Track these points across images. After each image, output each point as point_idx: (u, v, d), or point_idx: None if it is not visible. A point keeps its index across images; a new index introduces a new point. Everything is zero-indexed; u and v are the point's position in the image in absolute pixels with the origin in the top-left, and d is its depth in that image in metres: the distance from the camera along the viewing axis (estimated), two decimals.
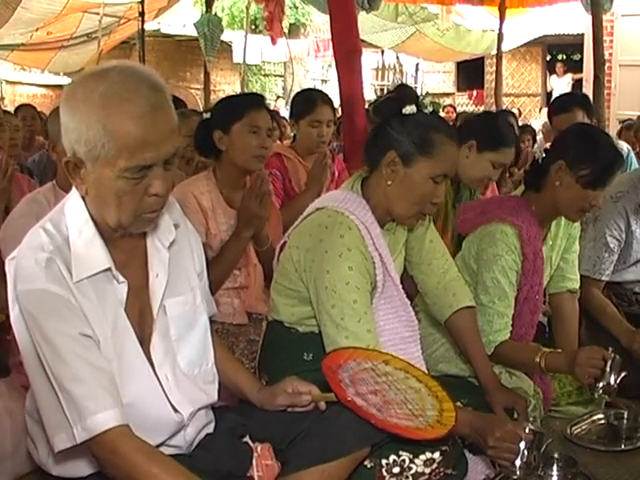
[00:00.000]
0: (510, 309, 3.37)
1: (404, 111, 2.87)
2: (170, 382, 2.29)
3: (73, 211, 2.20)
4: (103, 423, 2.03)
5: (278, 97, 20.87)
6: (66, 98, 2.12)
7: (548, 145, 3.70)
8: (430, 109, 2.93)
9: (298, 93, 5.53)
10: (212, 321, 2.58)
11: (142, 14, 13.05)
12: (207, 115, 3.95)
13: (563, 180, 3.33)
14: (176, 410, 2.28)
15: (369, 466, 2.60)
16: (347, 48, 5.79)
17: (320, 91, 5.21)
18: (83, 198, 2.19)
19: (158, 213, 2.21)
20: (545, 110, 15.92)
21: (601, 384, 3.06)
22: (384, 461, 2.60)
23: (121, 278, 2.21)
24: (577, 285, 3.85)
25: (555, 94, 18.68)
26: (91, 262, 2.15)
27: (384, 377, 2.59)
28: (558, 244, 3.67)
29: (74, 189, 2.21)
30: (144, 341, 2.27)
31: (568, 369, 3.17)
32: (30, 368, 2.15)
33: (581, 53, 18.21)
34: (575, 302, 3.88)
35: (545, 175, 3.40)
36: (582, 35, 16.67)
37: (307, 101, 5.00)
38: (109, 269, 2.18)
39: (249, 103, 3.91)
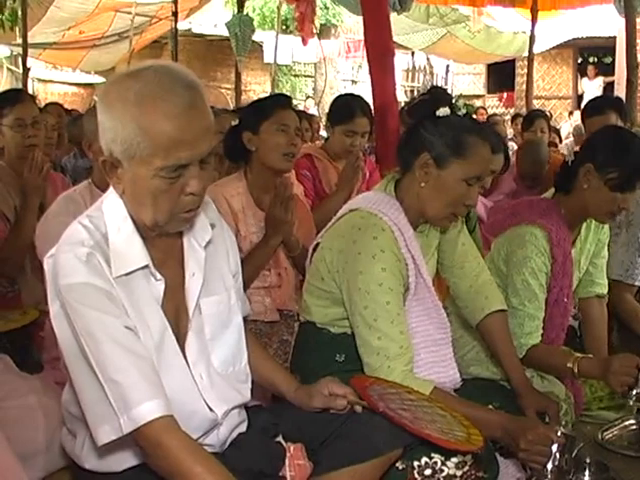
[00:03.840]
0: (541, 311, 3.36)
1: (438, 113, 2.87)
2: (204, 381, 2.30)
3: (111, 209, 2.21)
4: (149, 412, 2.03)
5: (307, 97, 20.89)
6: (102, 97, 2.13)
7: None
8: (464, 111, 2.93)
9: (339, 97, 5.53)
10: (245, 320, 2.58)
11: (175, 14, 13.11)
12: (235, 122, 3.98)
13: (591, 183, 3.32)
14: (210, 409, 2.29)
15: (401, 468, 2.60)
16: (380, 49, 5.79)
17: (361, 99, 5.17)
18: (121, 196, 2.20)
19: (194, 212, 2.23)
20: (577, 113, 15.89)
21: (634, 392, 3.04)
22: (416, 463, 2.60)
23: (159, 276, 2.22)
24: (605, 290, 3.83)
25: (586, 97, 18.67)
26: (130, 259, 2.17)
27: (409, 401, 2.61)
28: (587, 248, 3.65)
29: (111, 188, 2.23)
30: (179, 339, 2.28)
31: (601, 376, 3.15)
32: (72, 362, 2.15)
33: (612, 56, 18.15)
34: (603, 306, 3.86)
35: (574, 178, 3.39)
36: (614, 38, 16.60)
37: (346, 110, 5.01)
38: (147, 266, 2.20)
39: (276, 103, 3.95)
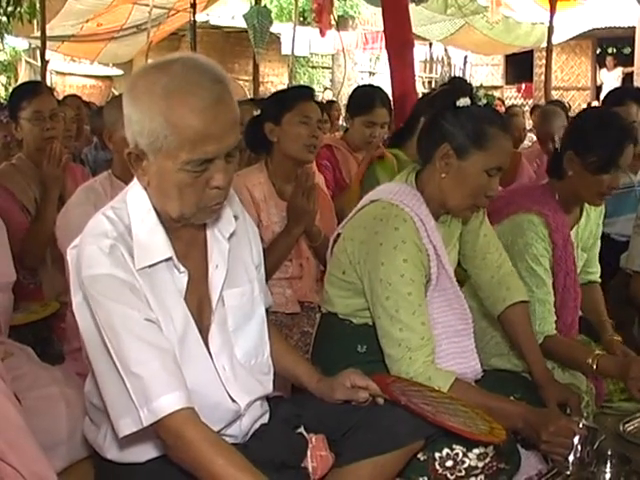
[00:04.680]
0: (550, 295, 3.36)
1: (458, 104, 2.87)
2: (227, 372, 2.30)
3: (135, 200, 2.22)
4: (169, 405, 2.04)
5: (325, 89, 20.86)
6: (129, 90, 2.13)
7: None
8: (484, 101, 2.92)
9: (358, 88, 5.56)
10: (266, 312, 2.58)
11: (194, 6, 13.14)
12: (257, 112, 3.99)
13: (575, 169, 3.33)
14: (233, 400, 2.30)
15: (422, 459, 2.61)
16: (399, 41, 5.79)
17: (380, 90, 5.19)
18: (145, 188, 2.20)
19: (220, 205, 2.23)
20: (595, 104, 15.80)
21: None
22: (437, 454, 2.62)
23: (182, 268, 2.22)
24: (598, 276, 3.85)
25: (605, 88, 18.61)
26: (153, 251, 2.17)
27: (431, 398, 2.61)
28: (586, 237, 3.67)
29: (135, 179, 2.23)
30: (202, 331, 2.28)
31: (620, 377, 3.15)
32: (94, 354, 2.16)
33: (631, 46, 18.02)
34: (599, 290, 3.86)
35: (562, 165, 3.40)
36: (633, 28, 16.51)
37: (365, 100, 5.02)
38: (170, 258, 2.20)
39: (299, 94, 3.96)
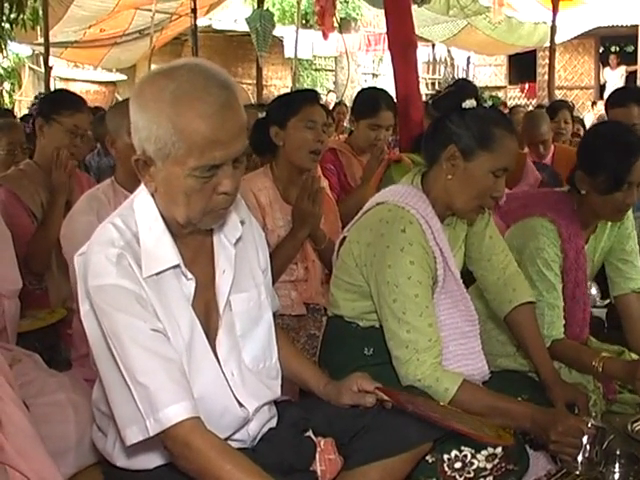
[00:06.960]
0: (560, 300, 3.36)
1: (464, 105, 2.87)
2: (235, 377, 2.30)
3: (142, 207, 2.22)
4: (175, 415, 2.04)
5: (329, 91, 20.89)
6: (136, 96, 2.13)
7: None
8: (489, 103, 2.92)
9: (363, 91, 5.57)
10: (273, 315, 2.58)
11: (194, 10, 13.14)
12: (262, 115, 3.98)
13: (586, 189, 3.32)
14: (241, 405, 2.30)
15: (431, 461, 2.62)
16: (402, 42, 5.77)
17: (385, 93, 5.21)
18: (152, 195, 2.20)
19: (227, 211, 2.23)
20: (599, 103, 15.80)
21: None
22: (446, 456, 2.62)
23: (189, 275, 2.22)
24: None
25: (608, 86, 18.60)
26: (160, 258, 2.18)
27: (437, 408, 2.61)
28: (601, 246, 3.62)
29: (142, 186, 2.23)
30: (210, 337, 2.28)
31: (626, 379, 3.15)
32: (101, 362, 2.16)
33: (635, 45, 18.05)
34: None
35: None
36: (636, 26, 16.54)
37: (371, 103, 5.03)
38: (178, 266, 2.20)
39: (304, 98, 3.95)
